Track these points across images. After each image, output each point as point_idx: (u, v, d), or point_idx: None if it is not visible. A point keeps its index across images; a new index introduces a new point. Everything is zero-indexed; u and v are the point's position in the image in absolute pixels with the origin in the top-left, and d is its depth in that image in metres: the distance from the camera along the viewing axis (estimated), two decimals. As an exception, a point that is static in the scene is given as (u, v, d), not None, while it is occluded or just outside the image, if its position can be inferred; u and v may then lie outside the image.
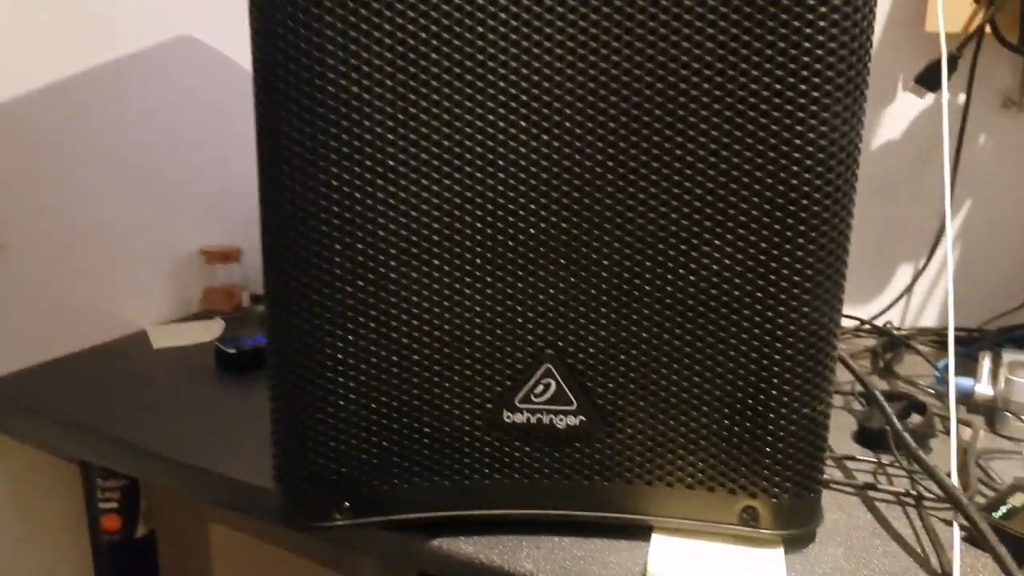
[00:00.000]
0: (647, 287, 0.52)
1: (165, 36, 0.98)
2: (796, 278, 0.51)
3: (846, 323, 0.99)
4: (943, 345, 0.92)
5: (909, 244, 0.99)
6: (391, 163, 0.51)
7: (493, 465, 0.55)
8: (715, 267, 0.52)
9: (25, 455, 0.87)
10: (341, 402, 0.53)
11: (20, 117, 0.83)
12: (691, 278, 0.52)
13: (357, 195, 0.51)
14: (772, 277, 0.51)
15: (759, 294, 0.51)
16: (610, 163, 0.50)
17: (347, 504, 0.55)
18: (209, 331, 0.97)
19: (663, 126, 0.50)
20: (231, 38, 1.06)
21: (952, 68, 0.76)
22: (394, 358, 0.53)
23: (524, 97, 0.49)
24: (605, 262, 0.52)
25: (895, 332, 0.91)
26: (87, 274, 0.92)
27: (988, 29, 0.84)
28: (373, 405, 0.54)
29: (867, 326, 0.97)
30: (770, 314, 0.52)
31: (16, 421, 0.79)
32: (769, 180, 0.50)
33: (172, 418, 0.75)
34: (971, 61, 0.88)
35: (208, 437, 0.71)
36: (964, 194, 0.95)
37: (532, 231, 0.52)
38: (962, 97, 0.90)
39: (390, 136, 0.50)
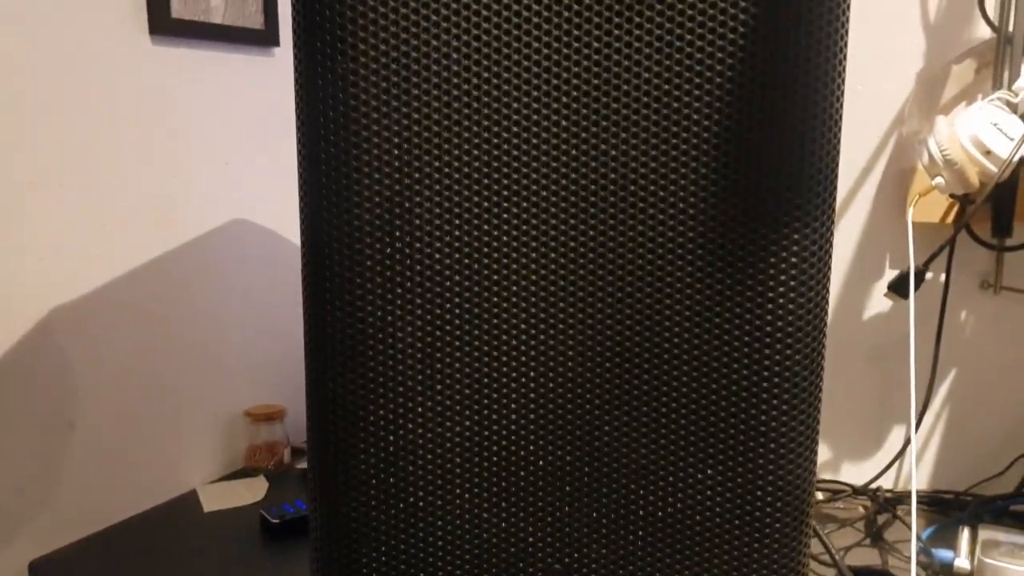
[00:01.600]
0: (641, 510, 0.60)
1: (220, 221, 1.10)
2: (768, 508, 0.59)
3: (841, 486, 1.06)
4: (930, 510, 0.98)
5: (901, 410, 1.06)
6: (419, 409, 0.60)
7: (508, 669, 0.62)
8: (698, 493, 0.60)
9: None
10: (376, 613, 0.61)
11: (91, 310, 0.94)
12: (678, 504, 0.60)
13: (391, 437, 0.60)
14: (745, 500, 0.59)
15: (735, 519, 0.59)
16: (606, 411, 0.59)
17: None
18: (253, 492, 1.06)
19: (650, 377, 0.58)
20: (280, 217, 1.18)
21: (920, 280, 0.85)
22: (422, 574, 0.61)
23: (533, 358, 0.59)
24: (604, 489, 0.60)
25: (883, 501, 0.97)
26: (145, 442, 1.02)
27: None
28: (403, 615, 0.61)
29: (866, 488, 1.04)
30: (746, 539, 0.59)
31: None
32: (741, 423, 0.58)
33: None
34: (949, 249, 0.97)
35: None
36: (949, 364, 1.02)
37: (540, 463, 0.60)
38: (943, 277, 0.99)
39: (419, 387, 0.59)
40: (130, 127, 0.97)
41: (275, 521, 0.94)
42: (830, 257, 0.58)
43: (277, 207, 1.18)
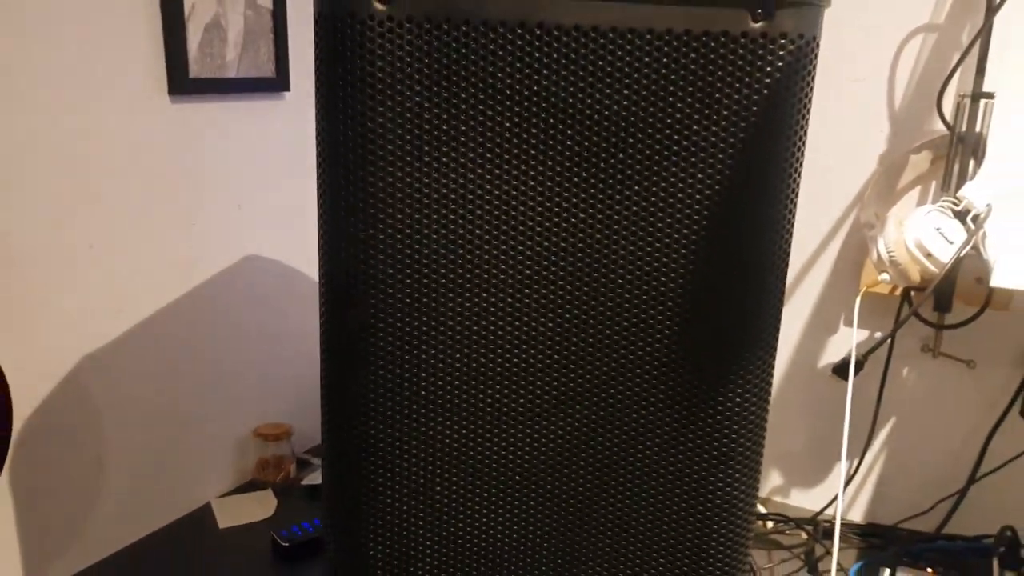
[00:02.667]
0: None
1: (234, 260, 1.19)
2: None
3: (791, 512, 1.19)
4: (864, 541, 1.12)
5: (847, 448, 1.18)
6: (418, 510, 0.70)
7: None
8: None
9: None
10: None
11: (117, 353, 1.04)
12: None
13: (396, 535, 0.71)
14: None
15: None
16: (580, 514, 0.70)
17: None
18: (264, 508, 1.17)
19: (615, 490, 0.70)
20: (289, 249, 1.27)
21: (860, 368, 0.96)
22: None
23: (521, 470, 0.69)
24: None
25: (820, 534, 1.10)
26: (166, 463, 1.13)
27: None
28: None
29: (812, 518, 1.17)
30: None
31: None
32: (688, 528, 0.70)
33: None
34: (896, 314, 1.08)
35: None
36: (889, 412, 1.15)
37: (521, 552, 0.72)
38: (889, 339, 1.10)
39: (419, 493, 0.70)
40: (151, 183, 1.05)
41: (285, 544, 1.06)
42: (770, 387, 0.69)
43: (286, 241, 1.26)
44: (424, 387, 0.67)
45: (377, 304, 0.64)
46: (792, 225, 0.64)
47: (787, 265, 0.66)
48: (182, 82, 1.05)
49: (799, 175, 0.64)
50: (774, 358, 0.68)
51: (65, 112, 0.94)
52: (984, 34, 0.96)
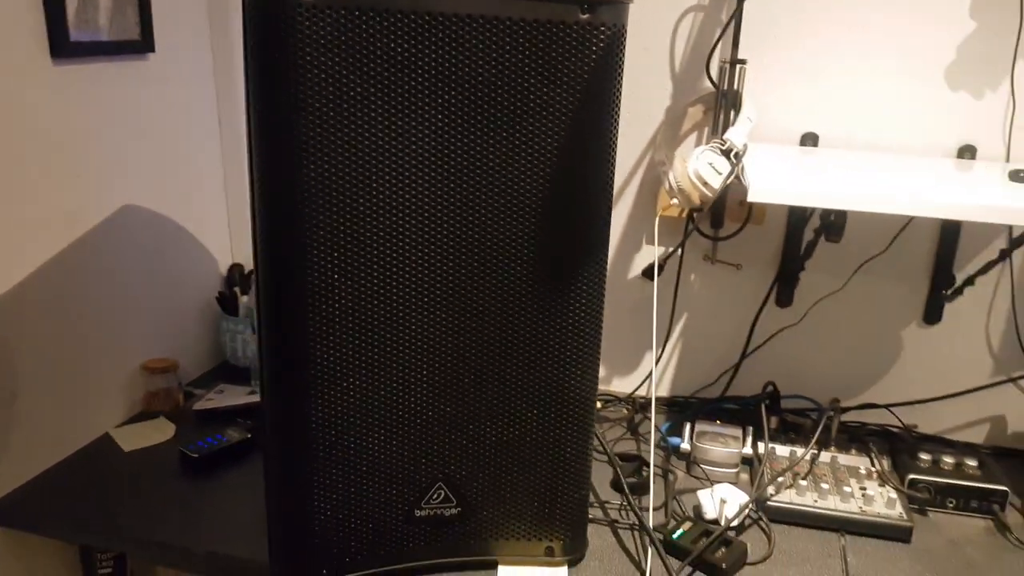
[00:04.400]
0: (492, 438, 0.96)
1: (115, 208, 1.28)
2: (568, 430, 0.97)
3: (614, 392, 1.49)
4: (671, 410, 1.45)
5: (651, 343, 1.50)
6: (351, 378, 0.90)
7: (410, 539, 0.97)
8: (526, 423, 0.96)
9: (35, 541, 1.17)
10: (323, 515, 0.93)
11: (21, 300, 1.13)
12: (515, 430, 0.96)
13: (334, 390, 0.90)
14: (554, 426, 0.97)
15: (551, 452, 0.97)
16: (471, 375, 0.93)
17: (324, 572, 0.95)
18: (162, 432, 1.30)
19: (495, 354, 0.93)
20: (162, 198, 1.37)
21: (660, 271, 1.25)
22: (353, 488, 0.93)
23: (429, 344, 0.91)
24: (470, 425, 0.95)
25: (637, 406, 1.41)
26: (66, 398, 1.23)
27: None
28: (343, 512, 0.94)
29: (625, 397, 1.48)
30: (557, 461, 0.97)
31: (25, 519, 1.11)
32: (552, 380, 0.95)
33: (153, 511, 1.10)
34: (683, 238, 1.39)
35: (185, 523, 1.08)
36: (682, 310, 1.47)
37: (431, 412, 0.94)
38: (680, 252, 1.41)
39: (356, 372, 0.90)
40: (38, 139, 1.13)
41: (195, 456, 1.21)
42: (604, 281, 0.95)
43: (159, 190, 1.37)
44: (353, 278, 0.87)
45: (308, 225, 0.83)
46: (614, 162, 0.90)
47: (612, 193, 0.91)
48: (64, 45, 1.14)
49: (618, 124, 0.89)
50: (606, 260, 0.93)
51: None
52: (737, 15, 1.26)
